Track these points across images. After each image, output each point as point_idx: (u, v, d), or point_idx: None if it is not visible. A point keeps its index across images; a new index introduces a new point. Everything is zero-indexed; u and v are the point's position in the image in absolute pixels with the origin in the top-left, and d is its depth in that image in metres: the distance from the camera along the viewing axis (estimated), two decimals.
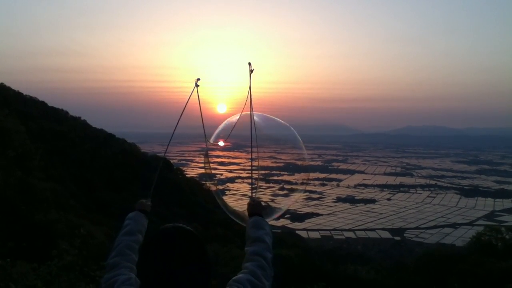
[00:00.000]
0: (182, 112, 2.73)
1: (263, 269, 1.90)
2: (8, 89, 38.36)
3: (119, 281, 1.79)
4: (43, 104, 42.03)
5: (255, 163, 2.75)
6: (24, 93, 41.06)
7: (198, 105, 2.74)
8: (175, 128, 2.78)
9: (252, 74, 2.59)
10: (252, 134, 2.64)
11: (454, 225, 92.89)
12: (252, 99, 2.62)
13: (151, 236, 1.73)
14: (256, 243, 2.05)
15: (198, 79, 2.70)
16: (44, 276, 4.82)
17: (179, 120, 2.75)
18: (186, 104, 2.71)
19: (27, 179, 10.81)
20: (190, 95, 2.68)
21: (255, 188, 2.75)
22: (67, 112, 43.80)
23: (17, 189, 9.68)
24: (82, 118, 44.86)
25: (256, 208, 2.33)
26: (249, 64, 2.58)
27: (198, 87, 2.70)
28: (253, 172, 2.65)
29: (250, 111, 2.63)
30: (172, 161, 49.96)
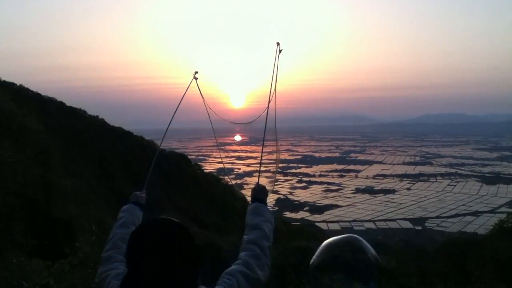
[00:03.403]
0: (178, 106, 2.68)
1: (258, 258, 1.82)
2: (27, 90, 38.95)
3: (111, 275, 1.78)
4: (61, 104, 42.59)
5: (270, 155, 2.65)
6: (43, 94, 41.62)
7: (202, 99, 2.64)
8: (170, 121, 2.73)
9: (280, 55, 2.43)
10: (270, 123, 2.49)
11: (476, 213, 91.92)
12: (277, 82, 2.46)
13: (135, 229, 1.63)
14: (253, 231, 1.96)
15: (196, 72, 2.65)
16: (57, 273, 4.87)
17: (174, 113, 2.69)
18: (182, 97, 2.66)
19: (47, 176, 11.00)
20: (187, 88, 2.64)
21: (272, 180, 2.61)
22: (85, 111, 44.32)
23: (37, 186, 9.86)
24: (100, 117, 45.33)
25: (260, 193, 2.21)
26: (278, 44, 2.43)
27: (197, 80, 2.64)
28: (263, 159, 2.50)
29: (274, 95, 2.46)
30: (189, 157, 50.22)
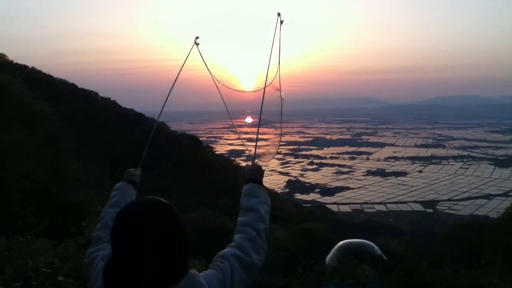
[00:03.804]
0: (178, 74, 2.54)
1: (253, 241, 1.73)
2: (39, 72, 39.22)
3: (100, 256, 1.72)
4: (73, 86, 42.84)
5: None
6: (55, 76, 41.85)
7: (206, 66, 2.48)
8: (170, 90, 2.55)
9: (281, 26, 2.31)
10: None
11: (488, 196, 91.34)
12: (280, 56, 2.34)
13: (121, 209, 1.52)
14: (248, 213, 1.85)
15: (197, 37, 2.47)
16: (62, 253, 4.89)
17: (174, 82, 2.53)
18: (183, 65, 2.50)
19: (58, 159, 11.08)
20: (188, 55, 2.46)
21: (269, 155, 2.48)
22: (97, 93, 44.56)
23: (48, 169, 9.94)
24: (112, 99, 45.53)
25: (255, 173, 2.07)
26: (278, 14, 2.31)
27: (199, 46, 2.46)
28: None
29: (278, 69, 2.35)
30: (200, 139, 50.34)
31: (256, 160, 2.21)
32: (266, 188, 2.04)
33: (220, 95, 2.54)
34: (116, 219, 1.47)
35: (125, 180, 2.27)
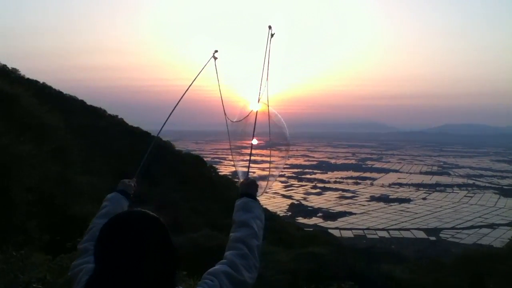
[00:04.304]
0: (191, 83, 2.46)
1: (245, 258, 1.63)
2: (50, 88, 39.65)
3: (84, 270, 1.64)
4: (82, 102, 43.20)
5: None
6: (65, 92, 42.29)
7: (217, 81, 2.44)
8: (178, 102, 2.48)
9: (272, 39, 2.24)
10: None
11: (492, 226, 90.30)
12: (268, 73, 2.26)
13: (107, 221, 1.44)
14: (241, 228, 1.77)
15: (216, 51, 2.40)
16: (55, 268, 4.87)
17: (186, 91, 2.45)
18: (197, 75, 2.41)
19: (65, 173, 11.13)
20: (204, 66, 2.39)
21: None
22: (105, 111, 44.88)
23: (55, 182, 9.98)
24: (119, 117, 45.81)
25: (249, 187, 1.99)
26: (269, 27, 2.24)
27: (216, 60, 2.39)
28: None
29: (266, 84, 2.27)
30: (205, 159, 50.38)
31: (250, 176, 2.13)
32: (259, 203, 1.98)
33: (225, 117, 2.48)
34: (101, 230, 1.40)
35: (118, 191, 2.19)
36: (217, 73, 2.41)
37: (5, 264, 4.57)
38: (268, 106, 2.33)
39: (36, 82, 37.71)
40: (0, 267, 4.51)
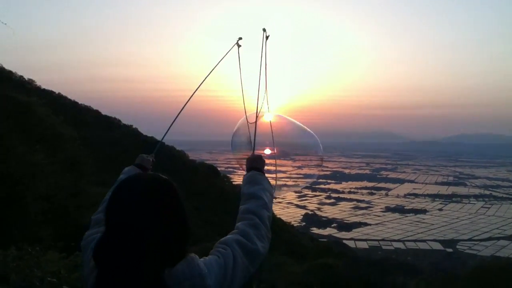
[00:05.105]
0: (212, 70, 2.36)
1: (256, 228, 1.60)
2: (65, 98, 40.22)
3: (96, 239, 1.52)
4: (97, 112, 43.70)
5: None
6: (80, 102, 42.85)
7: (239, 70, 2.33)
8: (196, 89, 2.37)
9: (267, 41, 2.20)
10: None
11: (511, 238, 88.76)
12: (267, 75, 2.22)
13: (117, 184, 1.42)
14: (250, 200, 1.73)
15: (240, 38, 2.32)
16: (70, 264, 4.93)
17: (204, 79, 2.34)
18: (219, 61, 2.33)
19: (78, 183, 11.22)
20: (227, 53, 2.30)
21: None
22: (119, 121, 45.32)
23: (68, 192, 10.07)
24: (134, 126, 46.22)
25: (256, 162, 1.95)
26: (264, 30, 2.20)
27: (240, 48, 2.31)
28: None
29: (264, 89, 2.22)
30: (219, 169, 50.48)
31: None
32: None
33: (244, 112, 2.38)
34: (111, 194, 1.38)
35: (135, 164, 2.21)
36: (239, 61, 2.34)
37: (20, 260, 4.64)
38: (268, 109, 2.29)
39: (52, 92, 38.28)
40: (15, 263, 4.57)
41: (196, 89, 2.38)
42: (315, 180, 2.52)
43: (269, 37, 2.21)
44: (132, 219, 1.28)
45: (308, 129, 2.49)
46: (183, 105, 2.41)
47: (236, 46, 2.31)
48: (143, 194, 1.32)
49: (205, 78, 2.35)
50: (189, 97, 2.42)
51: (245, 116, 2.35)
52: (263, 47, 2.22)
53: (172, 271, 1.29)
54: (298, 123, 2.57)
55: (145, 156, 2.23)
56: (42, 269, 4.60)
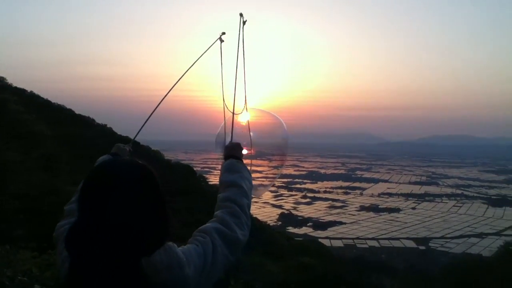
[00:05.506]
0: (193, 64, 2.25)
1: (236, 216, 1.55)
2: (38, 97, 39.36)
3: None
4: (70, 111, 42.90)
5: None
6: (53, 101, 42.01)
7: (220, 65, 2.22)
8: (174, 84, 2.27)
9: (244, 26, 2.13)
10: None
11: (481, 235, 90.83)
12: (245, 59, 2.14)
13: (90, 171, 1.32)
14: (229, 188, 1.67)
15: (223, 33, 2.23)
16: (42, 263, 4.85)
17: (184, 73, 2.25)
18: (201, 55, 2.21)
19: (53, 182, 11.03)
20: (209, 47, 2.20)
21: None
22: (93, 120, 44.60)
23: (43, 190, 9.88)
24: (108, 126, 45.57)
25: (234, 150, 1.88)
26: (241, 15, 2.13)
27: (222, 43, 2.22)
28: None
29: (243, 74, 2.14)
30: (195, 169, 50.15)
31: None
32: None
33: (224, 105, 2.23)
34: (85, 179, 1.30)
35: (110, 154, 2.12)
36: (221, 56, 2.24)
37: None
38: (246, 107, 2.22)
39: (24, 90, 37.43)
40: None
41: (174, 85, 2.29)
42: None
43: (246, 22, 2.14)
44: (106, 205, 1.20)
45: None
46: (159, 102, 2.33)
47: (219, 41, 2.24)
48: (119, 179, 1.24)
49: (185, 73, 2.28)
50: (166, 92, 2.34)
51: (227, 109, 2.23)
52: (240, 33, 2.15)
53: (149, 260, 1.22)
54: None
55: (121, 146, 2.16)
56: (13, 268, 4.51)
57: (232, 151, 1.87)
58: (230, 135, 2.08)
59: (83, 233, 1.21)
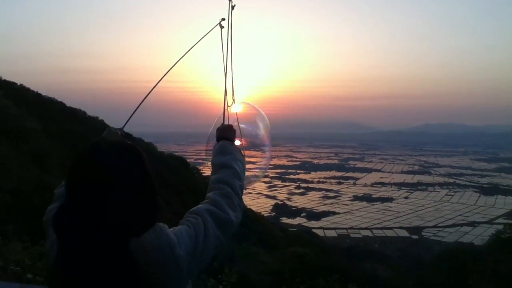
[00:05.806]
0: (191, 48, 2.11)
1: (228, 197, 1.54)
2: (28, 90, 38.97)
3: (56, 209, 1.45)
4: (61, 104, 42.58)
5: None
6: (43, 94, 41.65)
7: (222, 53, 2.10)
8: (166, 72, 2.12)
9: (233, 11, 2.06)
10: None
11: (473, 224, 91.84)
12: (232, 44, 2.06)
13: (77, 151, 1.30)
14: (221, 170, 1.66)
15: (223, 19, 2.11)
16: (34, 253, 4.86)
17: (178, 60, 2.11)
18: (199, 41, 2.09)
19: (44, 177, 10.95)
20: (207, 33, 2.09)
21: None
22: (85, 112, 44.32)
23: (33, 185, 9.81)
24: (100, 118, 45.33)
25: (226, 132, 1.86)
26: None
27: (222, 30, 2.10)
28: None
29: (230, 61, 2.07)
30: (188, 160, 50.07)
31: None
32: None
33: (224, 95, 2.13)
34: (73, 159, 1.28)
35: (102, 137, 2.03)
36: (222, 44, 2.12)
37: None
38: (233, 96, 2.14)
39: (14, 84, 37.06)
40: None
41: (170, 68, 2.15)
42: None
43: (235, 7, 2.07)
44: (95, 184, 1.20)
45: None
46: (149, 90, 2.19)
47: (218, 27, 2.13)
48: (107, 159, 1.24)
49: (182, 56, 2.14)
50: (158, 81, 2.18)
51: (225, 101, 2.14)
52: (229, 18, 2.08)
53: (139, 241, 1.21)
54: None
55: (112, 129, 2.07)
56: (5, 258, 4.51)
57: (224, 133, 1.86)
58: (223, 115, 2.05)
59: (71, 215, 1.21)
